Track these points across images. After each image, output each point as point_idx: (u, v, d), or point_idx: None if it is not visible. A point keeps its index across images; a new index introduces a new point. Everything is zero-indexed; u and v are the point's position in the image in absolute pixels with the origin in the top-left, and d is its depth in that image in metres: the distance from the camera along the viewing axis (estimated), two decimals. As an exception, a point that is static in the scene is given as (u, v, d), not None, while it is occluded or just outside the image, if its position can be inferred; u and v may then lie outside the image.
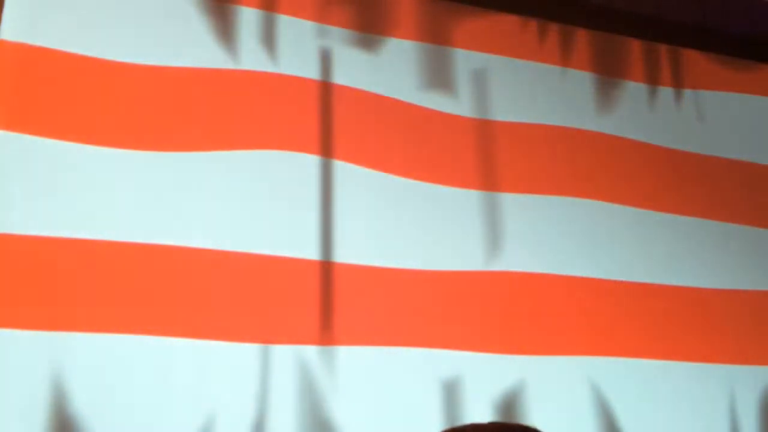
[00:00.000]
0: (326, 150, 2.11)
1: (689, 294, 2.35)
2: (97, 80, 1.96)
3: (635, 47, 2.65)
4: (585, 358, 2.14)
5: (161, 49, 2.05)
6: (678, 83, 2.66)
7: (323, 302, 1.96)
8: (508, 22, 2.51)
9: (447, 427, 1.09)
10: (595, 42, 2.59)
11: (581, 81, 2.51)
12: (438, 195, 2.19)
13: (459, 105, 2.32)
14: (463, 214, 2.19)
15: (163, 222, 1.89)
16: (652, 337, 2.25)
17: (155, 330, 1.80)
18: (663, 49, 2.68)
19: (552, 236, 2.27)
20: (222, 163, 2.00)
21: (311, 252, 1.99)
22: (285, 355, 1.87)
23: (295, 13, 2.23)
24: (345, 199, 2.07)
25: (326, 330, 1.93)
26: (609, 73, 2.56)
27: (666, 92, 2.62)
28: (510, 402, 2.02)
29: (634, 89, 2.58)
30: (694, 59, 2.71)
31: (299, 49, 2.20)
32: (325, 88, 2.18)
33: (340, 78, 2.21)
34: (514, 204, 2.25)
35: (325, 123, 2.14)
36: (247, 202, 1.99)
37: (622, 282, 2.29)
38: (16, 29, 1.92)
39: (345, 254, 2.02)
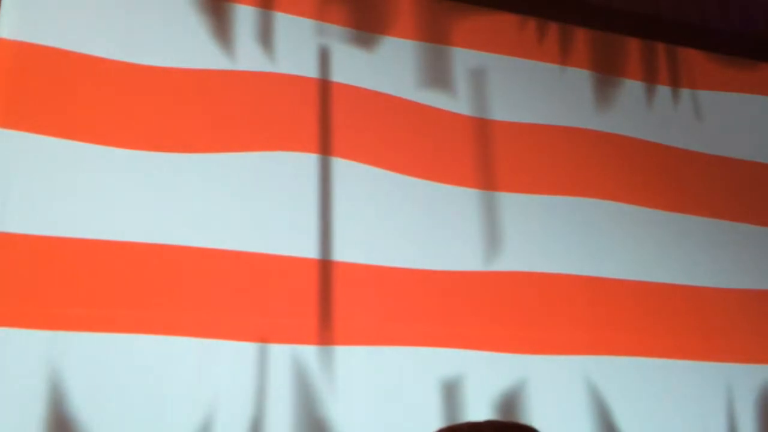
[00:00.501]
0: (325, 148, 2.11)
1: (687, 292, 2.35)
2: (95, 78, 1.96)
3: (634, 46, 2.65)
4: (583, 357, 2.14)
5: (159, 47, 2.04)
6: (676, 82, 2.66)
7: (322, 301, 1.95)
8: (507, 20, 2.51)
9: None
10: (594, 41, 2.59)
11: (580, 79, 2.52)
12: (437, 193, 2.19)
13: (457, 104, 2.32)
14: (462, 212, 2.19)
15: (160, 221, 1.89)
16: (651, 335, 2.25)
17: (153, 329, 1.79)
18: (661, 47, 2.69)
19: (550, 235, 2.27)
20: (220, 163, 2.00)
21: (310, 250, 1.99)
22: (284, 354, 1.87)
23: (292, 11, 2.23)
24: (344, 197, 2.07)
25: (325, 329, 1.93)
26: (608, 71, 2.56)
27: (664, 90, 2.63)
28: (509, 401, 2.02)
29: (632, 88, 2.58)
30: (693, 58, 2.72)
31: (297, 47, 2.20)
32: (324, 86, 2.18)
33: (338, 76, 2.20)
34: (512, 203, 2.25)
35: (324, 121, 2.14)
36: (245, 201, 1.99)
37: (620, 280, 2.29)
38: (13, 27, 1.91)
39: (344, 253, 2.01)
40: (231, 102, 2.07)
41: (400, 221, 2.11)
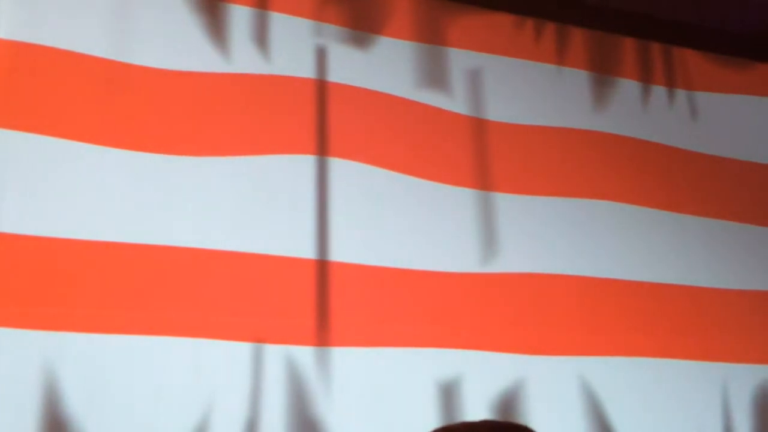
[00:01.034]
0: (322, 148, 2.10)
1: (683, 292, 2.36)
2: (91, 78, 1.95)
3: (631, 46, 2.65)
4: (579, 357, 2.14)
5: (155, 48, 2.04)
6: (673, 81, 2.66)
7: (319, 301, 1.95)
8: (504, 20, 2.50)
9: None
10: (591, 41, 2.59)
11: (577, 80, 2.52)
12: (434, 192, 2.18)
13: (454, 104, 2.31)
14: (458, 213, 2.19)
15: (157, 222, 1.89)
16: (646, 335, 2.25)
17: (150, 330, 1.79)
18: (658, 47, 2.69)
19: (546, 236, 2.27)
20: (217, 164, 1.99)
21: (307, 251, 1.98)
22: (280, 355, 1.87)
23: (288, 11, 2.23)
24: (341, 197, 2.07)
25: (322, 330, 1.93)
26: (604, 71, 2.57)
27: (660, 90, 2.63)
28: (505, 402, 2.02)
29: (629, 87, 2.58)
30: (689, 57, 2.72)
31: (293, 47, 2.19)
32: (321, 86, 2.17)
33: (334, 76, 2.20)
34: (508, 204, 2.25)
35: (321, 121, 2.13)
36: (241, 201, 1.98)
37: (616, 280, 2.29)
38: (8, 27, 1.90)
39: (341, 253, 2.01)
40: (227, 104, 2.06)
41: (397, 221, 2.11)
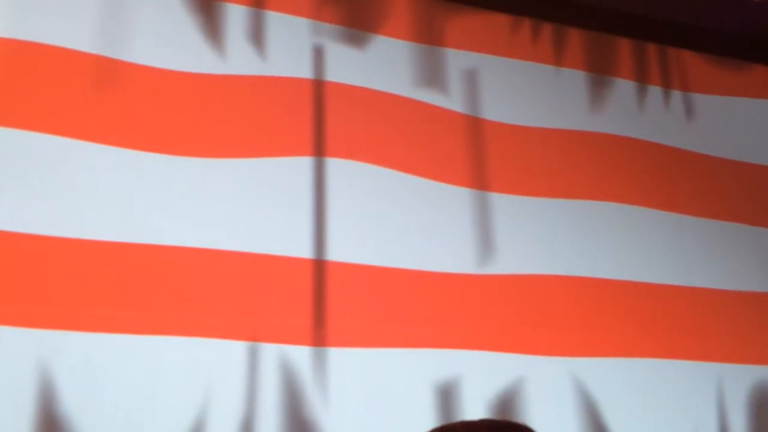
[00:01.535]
0: (319, 148, 2.10)
1: (679, 293, 2.36)
2: (88, 76, 1.95)
3: (627, 46, 2.65)
4: (575, 358, 2.14)
5: (151, 46, 2.03)
6: (669, 82, 2.67)
7: (315, 301, 1.95)
8: (501, 21, 2.51)
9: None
10: (588, 41, 2.59)
11: (574, 80, 2.52)
12: (431, 191, 2.18)
13: (452, 103, 2.31)
14: (455, 212, 2.18)
15: (153, 221, 1.88)
16: (643, 335, 2.25)
17: (146, 329, 1.78)
18: (655, 48, 2.69)
19: (542, 237, 2.27)
20: (214, 164, 1.99)
21: (304, 250, 1.98)
22: (277, 355, 1.86)
23: (285, 10, 2.22)
24: (337, 196, 2.06)
25: (318, 329, 1.92)
26: (601, 72, 2.57)
27: (656, 91, 2.63)
28: (502, 402, 2.02)
29: (625, 88, 2.59)
30: (686, 58, 2.72)
31: (290, 46, 2.19)
32: (318, 85, 2.17)
33: (332, 75, 2.20)
34: (505, 204, 2.25)
35: (318, 121, 2.13)
36: (239, 200, 1.98)
37: (612, 281, 2.29)
38: (4, 24, 1.90)
39: (337, 252, 2.01)
40: (225, 104, 2.06)
41: (394, 220, 2.11)
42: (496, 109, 2.36)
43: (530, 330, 2.13)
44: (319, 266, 1.98)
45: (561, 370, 2.11)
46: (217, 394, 1.78)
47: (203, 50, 2.08)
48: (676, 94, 2.66)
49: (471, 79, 2.37)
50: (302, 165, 2.06)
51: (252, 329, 1.87)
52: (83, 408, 1.67)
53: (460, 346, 2.03)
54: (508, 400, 2.03)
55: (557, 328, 2.16)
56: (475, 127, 2.32)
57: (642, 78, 2.63)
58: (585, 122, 2.48)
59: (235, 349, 1.84)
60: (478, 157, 2.28)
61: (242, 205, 1.98)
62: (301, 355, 1.88)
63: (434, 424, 1.89)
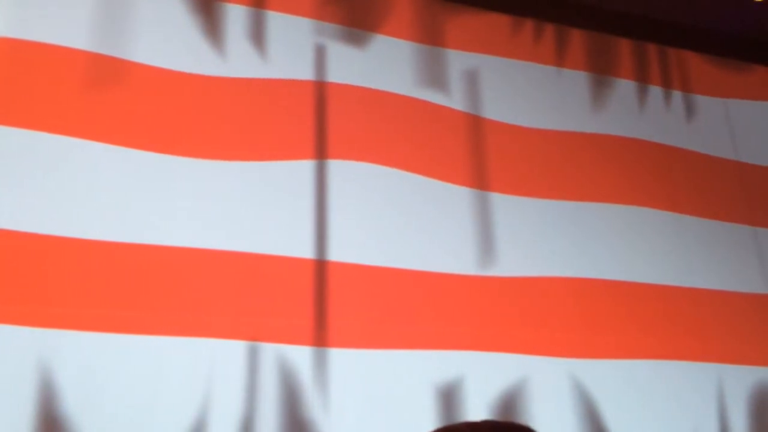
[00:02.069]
0: (321, 148, 2.10)
1: (680, 293, 2.36)
2: (88, 74, 1.94)
3: (628, 47, 2.65)
4: (576, 360, 2.14)
5: (152, 46, 2.03)
6: (670, 82, 2.67)
7: (317, 301, 1.94)
8: (502, 21, 2.50)
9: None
10: (589, 42, 2.59)
11: (576, 80, 2.52)
12: (432, 190, 2.18)
13: (452, 103, 2.31)
14: (456, 212, 2.18)
15: (154, 222, 1.88)
16: (643, 336, 2.25)
17: (148, 329, 1.78)
18: (655, 48, 2.69)
19: (543, 237, 2.27)
20: (217, 166, 1.98)
21: (305, 250, 1.97)
22: (278, 355, 1.86)
23: (285, 10, 2.22)
24: (339, 196, 2.06)
25: (320, 329, 1.92)
26: (603, 72, 2.57)
27: (657, 91, 2.63)
28: (505, 404, 2.02)
29: (626, 88, 2.59)
30: (686, 59, 2.73)
31: (291, 45, 2.18)
32: (319, 85, 2.17)
33: (333, 74, 2.19)
34: (505, 205, 2.25)
35: (320, 122, 2.13)
36: (240, 201, 1.98)
37: (612, 281, 2.29)
38: (5, 24, 1.89)
39: (339, 252, 2.00)
40: (227, 106, 2.06)
41: (395, 219, 2.11)
42: (497, 110, 2.36)
43: (531, 331, 2.13)
44: (321, 266, 1.97)
45: (562, 371, 2.11)
46: (218, 394, 1.78)
47: (203, 50, 2.08)
48: (677, 95, 2.66)
49: (472, 80, 2.37)
50: (304, 166, 2.06)
51: (253, 329, 1.86)
52: (84, 407, 1.67)
53: (462, 347, 2.03)
54: (509, 401, 2.03)
55: (558, 329, 2.16)
56: (476, 126, 2.31)
57: (643, 78, 2.63)
58: (586, 123, 2.48)
59: (236, 349, 1.83)
60: (479, 156, 2.28)
61: (244, 206, 1.97)
62: (302, 355, 1.88)
63: (435, 425, 1.89)
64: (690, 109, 2.66)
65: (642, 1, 2.65)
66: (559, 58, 2.53)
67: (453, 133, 2.28)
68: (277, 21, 2.20)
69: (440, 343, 2.02)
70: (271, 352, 1.86)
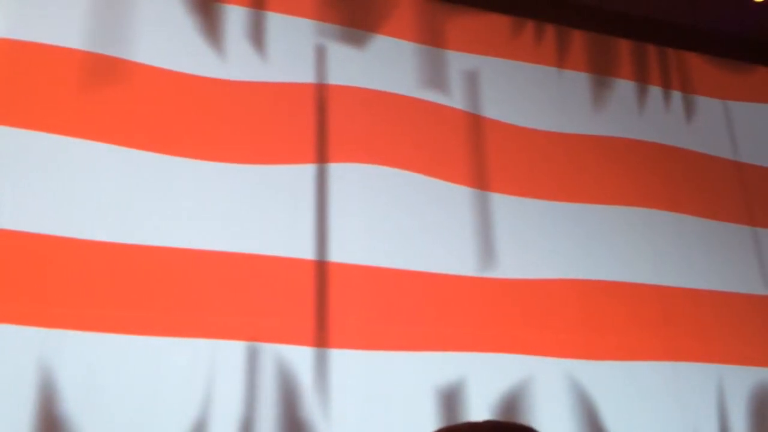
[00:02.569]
0: (321, 150, 2.09)
1: (680, 294, 2.36)
2: (86, 74, 1.94)
3: (629, 48, 2.65)
4: (577, 360, 2.14)
5: (151, 46, 2.03)
6: (669, 83, 2.67)
7: (318, 302, 1.94)
8: (503, 22, 2.50)
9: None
10: (590, 43, 2.59)
11: (577, 81, 2.51)
12: (433, 190, 2.17)
13: (453, 103, 2.31)
14: (457, 212, 2.18)
15: (156, 223, 1.87)
16: (643, 337, 2.25)
17: (148, 330, 1.78)
18: (655, 49, 2.69)
19: (543, 238, 2.26)
20: (217, 168, 1.98)
21: (306, 251, 1.97)
22: (278, 356, 1.86)
23: (286, 11, 2.21)
24: (339, 197, 2.05)
25: (321, 331, 1.91)
26: (603, 73, 2.57)
27: (657, 91, 2.64)
28: (506, 405, 2.01)
29: (626, 89, 2.59)
30: (686, 59, 2.73)
31: (292, 46, 2.18)
32: (320, 87, 2.17)
33: (333, 74, 2.19)
34: (506, 205, 2.24)
35: (320, 123, 2.12)
36: (240, 202, 1.97)
37: (613, 282, 2.29)
38: (3, 25, 1.89)
39: (339, 253, 2.00)
40: (227, 108, 2.05)
41: (396, 220, 2.10)
42: (497, 111, 2.36)
43: (533, 332, 2.12)
44: (321, 267, 1.97)
45: (563, 372, 2.10)
46: (218, 394, 1.78)
47: (203, 51, 2.08)
48: (677, 95, 2.65)
49: (472, 81, 2.37)
50: (305, 168, 2.06)
51: (254, 330, 1.86)
52: (84, 407, 1.67)
53: (463, 348, 2.03)
54: (511, 402, 2.02)
55: (559, 330, 2.16)
56: (476, 126, 2.31)
57: (642, 79, 2.63)
58: (587, 124, 2.47)
59: (237, 350, 1.83)
60: (480, 156, 2.28)
61: (244, 207, 1.97)
62: (302, 356, 1.87)
63: (437, 427, 1.88)
64: (690, 110, 2.66)
65: (642, 1, 2.65)
66: (560, 59, 2.53)
67: (454, 133, 2.28)
68: (276, 21, 2.19)
69: (441, 345, 2.01)
70: (271, 352, 1.85)
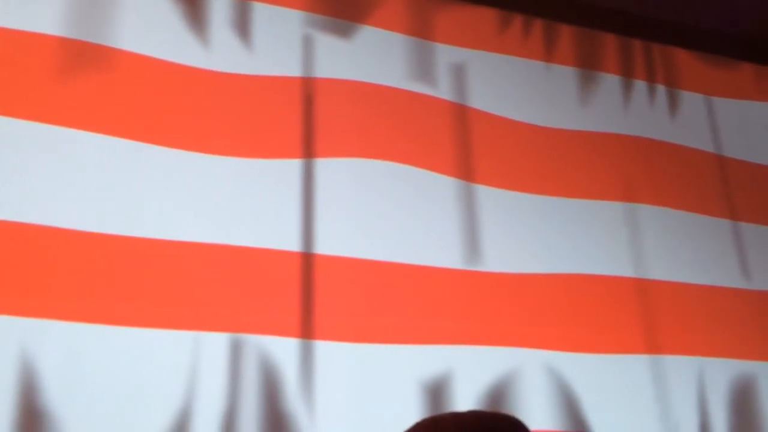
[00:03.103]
0: (308, 143, 2.08)
1: (661, 287, 2.38)
2: (67, 61, 1.91)
3: (614, 43, 2.66)
4: (557, 353, 2.15)
5: (136, 34, 2.01)
6: (654, 77, 2.68)
7: (303, 294, 1.93)
8: (491, 15, 2.50)
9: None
10: (578, 37, 2.60)
11: (564, 76, 2.52)
12: (418, 181, 2.17)
13: (439, 94, 2.31)
14: (443, 204, 2.18)
15: (139, 213, 1.86)
16: (624, 330, 2.27)
17: (131, 321, 1.76)
18: (640, 44, 2.71)
19: (528, 232, 2.27)
20: (203, 159, 1.96)
21: (292, 243, 1.96)
22: (263, 348, 1.85)
23: (272, 0, 2.20)
24: (325, 188, 2.05)
25: (306, 323, 1.91)
26: (590, 68, 2.58)
27: (642, 86, 2.65)
28: (491, 398, 2.02)
29: (611, 83, 2.60)
30: (672, 55, 2.74)
31: (278, 37, 2.17)
32: (306, 78, 2.15)
33: (319, 65, 2.18)
34: (491, 198, 2.25)
35: (307, 116, 2.11)
36: (225, 193, 1.96)
37: (596, 276, 2.30)
38: None
39: (325, 245, 2.00)
40: (212, 99, 2.03)
41: (382, 212, 2.10)
42: (484, 104, 2.36)
43: (519, 325, 2.13)
44: (307, 259, 1.96)
45: (546, 364, 2.12)
46: (203, 385, 1.77)
47: (187, 39, 2.06)
48: (661, 90, 2.67)
49: (460, 74, 2.37)
50: (290, 161, 2.05)
51: (238, 321, 1.85)
52: (65, 398, 1.65)
53: (449, 341, 2.04)
54: (497, 395, 2.03)
55: (545, 323, 2.17)
56: (462, 117, 2.31)
57: (628, 73, 2.64)
58: (574, 118, 2.48)
59: (221, 341, 1.82)
60: (465, 147, 2.28)
61: (228, 197, 1.96)
62: (287, 347, 1.87)
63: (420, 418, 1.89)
64: (674, 104, 2.67)
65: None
66: (548, 54, 2.53)
67: (440, 124, 2.27)
68: (262, 11, 2.18)
69: (427, 338, 2.02)
70: (256, 344, 1.85)
